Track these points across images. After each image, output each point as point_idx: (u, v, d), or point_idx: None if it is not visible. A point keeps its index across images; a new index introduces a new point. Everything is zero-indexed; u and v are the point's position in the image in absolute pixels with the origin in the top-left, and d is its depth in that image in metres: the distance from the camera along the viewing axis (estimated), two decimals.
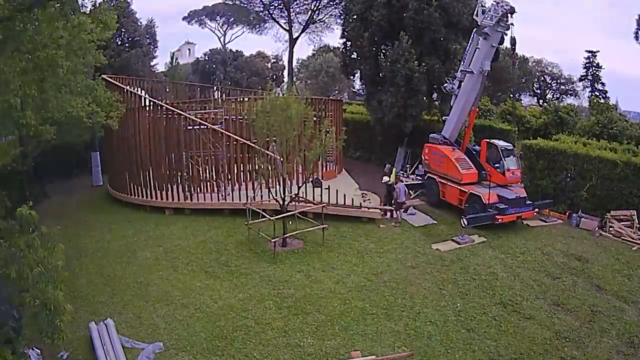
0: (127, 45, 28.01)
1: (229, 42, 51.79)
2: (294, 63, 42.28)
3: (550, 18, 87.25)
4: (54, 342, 6.20)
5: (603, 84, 42.17)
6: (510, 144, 16.86)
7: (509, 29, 15.41)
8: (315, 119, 14.74)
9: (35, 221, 5.99)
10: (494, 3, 15.27)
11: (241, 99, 21.67)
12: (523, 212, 15.10)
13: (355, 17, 20.72)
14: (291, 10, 37.06)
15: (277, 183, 13.94)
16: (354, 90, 42.96)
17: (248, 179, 17.19)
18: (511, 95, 31.98)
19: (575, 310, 10.16)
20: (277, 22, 39.27)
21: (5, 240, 5.88)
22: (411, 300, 10.52)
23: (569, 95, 43.10)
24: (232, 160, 17.18)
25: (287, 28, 38.07)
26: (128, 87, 18.98)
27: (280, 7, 37.69)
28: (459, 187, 16.17)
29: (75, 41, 10.79)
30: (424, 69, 18.53)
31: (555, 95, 43.48)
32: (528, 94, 44.70)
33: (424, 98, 20.47)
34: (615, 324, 9.62)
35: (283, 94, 13.93)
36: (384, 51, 19.71)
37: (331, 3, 35.81)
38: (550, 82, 43.74)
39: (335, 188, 15.71)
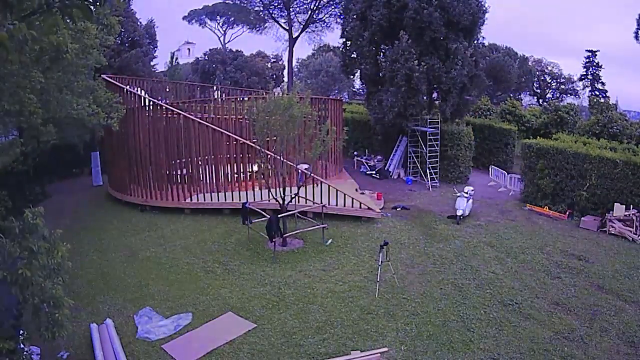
0: (127, 45, 28.00)
1: (229, 42, 51.83)
2: (294, 63, 42.30)
3: (550, 16, 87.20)
4: (55, 337, 6.19)
5: (603, 83, 42.24)
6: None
7: None
8: (316, 118, 14.77)
9: (40, 229, 5.99)
10: None
11: (241, 99, 21.69)
12: None
13: (355, 16, 20.73)
14: (291, 9, 37.04)
15: (277, 183, 13.96)
16: (354, 89, 43.00)
17: (248, 179, 17.20)
18: (510, 95, 32.08)
19: (576, 309, 10.16)
20: (277, 22, 39.26)
21: (10, 241, 5.88)
22: (411, 300, 10.51)
23: (568, 95, 43.18)
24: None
25: (287, 27, 38.06)
26: (128, 87, 18.98)
27: (280, 6, 37.67)
28: None
29: (79, 44, 10.87)
30: (424, 69, 18.53)
31: (555, 95, 43.56)
32: (528, 93, 44.77)
33: (424, 98, 20.49)
34: (615, 323, 9.61)
35: (287, 94, 13.89)
36: (383, 51, 19.72)
37: (331, 2, 35.78)
38: (550, 81, 43.82)
39: (334, 187, 15.72)
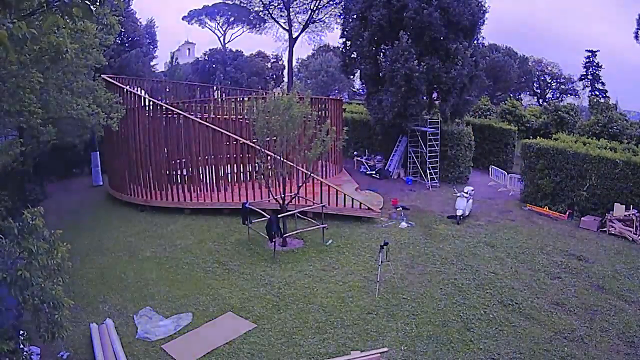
0: (127, 45, 28.00)
1: (229, 41, 51.79)
2: (294, 63, 42.34)
3: (549, 16, 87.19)
4: (55, 337, 6.19)
5: (603, 83, 42.23)
6: None
7: None
8: (316, 118, 14.77)
9: (39, 229, 5.98)
10: None
11: (241, 99, 21.70)
12: None
13: (355, 16, 20.73)
14: (291, 9, 37.09)
15: (277, 183, 13.96)
16: (354, 89, 43.02)
17: (248, 178, 17.20)
18: (510, 95, 32.10)
19: (576, 309, 10.16)
20: (277, 22, 39.31)
21: (10, 242, 5.86)
22: (411, 300, 10.51)
23: (568, 95, 43.18)
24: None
25: (287, 28, 38.09)
26: (128, 87, 18.98)
27: (280, 6, 37.73)
28: None
29: (78, 43, 10.87)
30: (423, 69, 18.52)
31: (555, 95, 43.56)
32: (528, 93, 44.78)
33: (424, 98, 20.48)
34: (615, 323, 9.61)
35: (287, 94, 13.87)
36: (383, 51, 19.72)
37: (331, 2, 35.85)
38: (550, 81, 43.81)
39: (334, 187, 15.72)
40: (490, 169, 22.29)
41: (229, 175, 17.28)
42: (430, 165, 20.25)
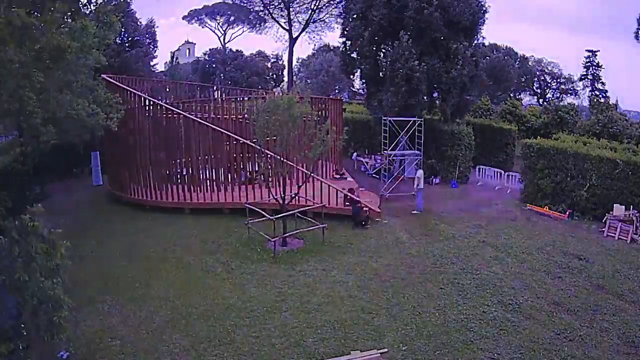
0: (127, 45, 27.99)
1: (229, 41, 51.81)
2: (294, 62, 42.35)
3: (550, 16, 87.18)
4: (54, 338, 6.19)
5: (603, 83, 42.18)
6: None
7: None
8: (316, 118, 14.77)
9: (38, 230, 5.98)
10: None
11: (241, 99, 21.71)
12: None
13: (355, 16, 20.73)
14: (291, 9, 37.10)
15: (277, 182, 13.95)
16: (354, 89, 42.99)
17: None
18: (511, 95, 32.04)
19: (576, 309, 10.15)
20: (277, 22, 39.32)
21: (9, 242, 5.86)
22: (411, 300, 10.50)
23: (569, 95, 43.15)
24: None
25: (287, 27, 38.09)
26: (128, 86, 18.96)
27: (280, 6, 37.74)
28: None
29: (79, 43, 10.87)
30: (424, 69, 18.52)
31: (555, 95, 43.53)
32: (528, 93, 44.76)
33: (424, 97, 20.48)
34: (615, 323, 9.60)
35: (287, 94, 13.87)
36: (384, 51, 19.74)
37: (331, 2, 35.87)
38: (550, 81, 43.78)
39: (335, 187, 15.72)
40: (477, 169, 21.98)
41: (229, 175, 17.27)
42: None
